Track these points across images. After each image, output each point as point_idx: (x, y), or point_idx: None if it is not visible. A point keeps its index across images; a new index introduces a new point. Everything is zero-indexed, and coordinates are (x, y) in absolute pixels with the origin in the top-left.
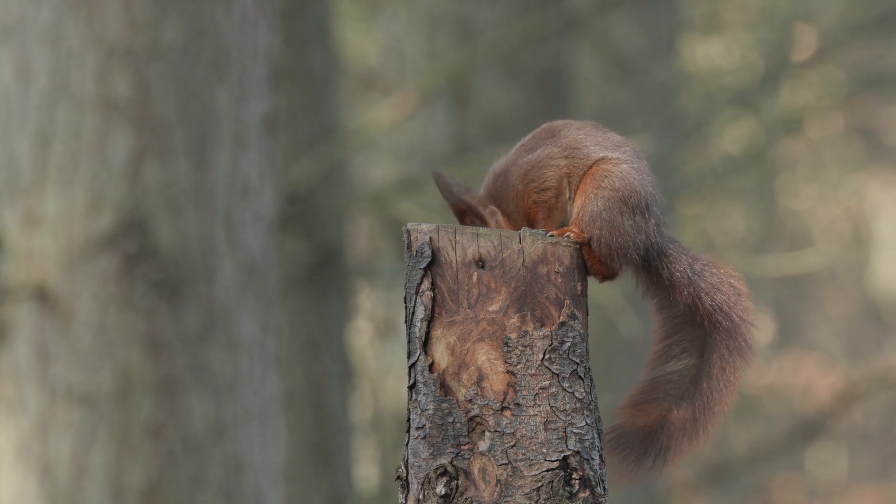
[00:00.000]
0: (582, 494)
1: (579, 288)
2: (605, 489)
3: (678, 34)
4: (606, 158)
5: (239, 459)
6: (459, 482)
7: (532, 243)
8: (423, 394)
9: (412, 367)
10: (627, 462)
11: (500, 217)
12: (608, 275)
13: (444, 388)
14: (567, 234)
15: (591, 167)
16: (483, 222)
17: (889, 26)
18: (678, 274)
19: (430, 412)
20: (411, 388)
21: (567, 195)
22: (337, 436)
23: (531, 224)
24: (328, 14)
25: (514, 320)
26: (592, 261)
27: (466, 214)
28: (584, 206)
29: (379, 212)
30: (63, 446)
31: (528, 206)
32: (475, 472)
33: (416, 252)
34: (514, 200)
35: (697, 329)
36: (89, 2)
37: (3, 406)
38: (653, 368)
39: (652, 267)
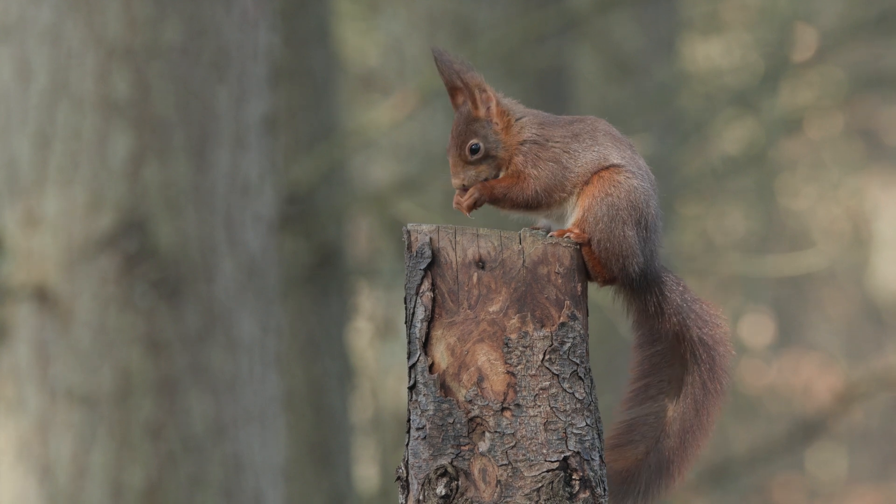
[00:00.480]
0: (582, 495)
1: (579, 289)
2: (605, 489)
3: (678, 34)
4: (621, 168)
5: (239, 459)
6: (459, 483)
7: (532, 244)
8: (424, 394)
9: (412, 367)
10: None
11: (493, 106)
12: (608, 278)
13: (445, 388)
14: (567, 234)
15: (603, 170)
16: (473, 104)
17: (889, 26)
18: (668, 301)
19: (431, 413)
20: (411, 388)
21: (542, 213)
22: (337, 436)
23: (496, 160)
24: (328, 14)
25: (514, 321)
26: (593, 262)
27: (459, 94)
28: (590, 208)
29: (379, 212)
30: (63, 446)
31: (520, 175)
32: (475, 472)
33: (417, 253)
34: (513, 145)
35: (675, 370)
36: (89, 2)
37: (3, 406)
38: (629, 408)
39: (645, 290)
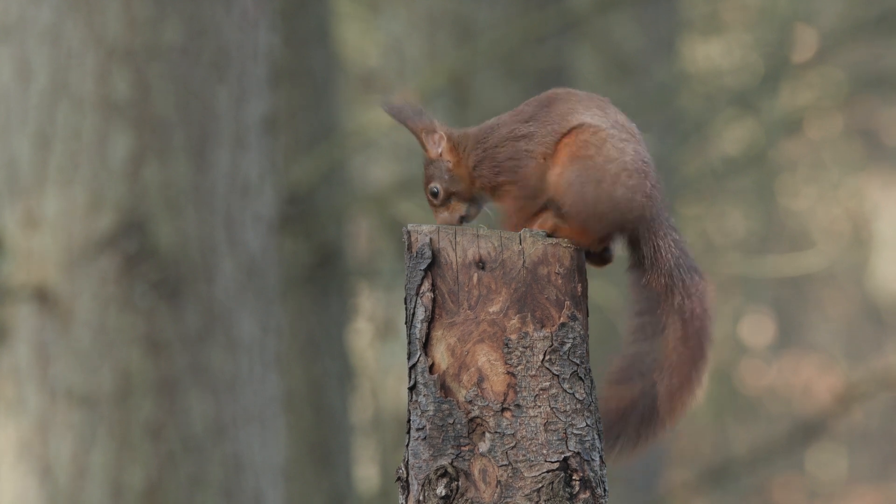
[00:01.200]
0: (582, 496)
1: (580, 289)
2: (605, 490)
3: (678, 34)
4: (585, 126)
5: (239, 459)
6: (460, 483)
7: (532, 244)
8: (424, 395)
9: (412, 368)
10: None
11: (444, 145)
12: (596, 239)
13: (445, 389)
14: (563, 235)
15: (568, 133)
16: (424, 148)
17: (889, 26)
18: (661, 260)
19: (431, 413)
20: (411, 389)
21: (544, 197)
22: (337, 436)
23: (462, 194)
24: (328, 14)
25: (514, 321)
26: (575, 232)
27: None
28: (561, 175)
29: (379, 212)
30: (63, 446)
31: (499, 190)
32: (475, 473)
33: (417, 253)
34: (469, 175)
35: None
36: (89, 2)
37: (3, 406)
38: (630, 343)
39: (644, 239)
